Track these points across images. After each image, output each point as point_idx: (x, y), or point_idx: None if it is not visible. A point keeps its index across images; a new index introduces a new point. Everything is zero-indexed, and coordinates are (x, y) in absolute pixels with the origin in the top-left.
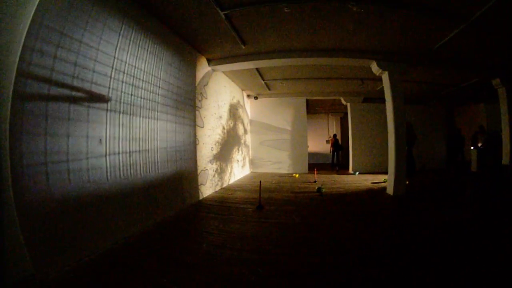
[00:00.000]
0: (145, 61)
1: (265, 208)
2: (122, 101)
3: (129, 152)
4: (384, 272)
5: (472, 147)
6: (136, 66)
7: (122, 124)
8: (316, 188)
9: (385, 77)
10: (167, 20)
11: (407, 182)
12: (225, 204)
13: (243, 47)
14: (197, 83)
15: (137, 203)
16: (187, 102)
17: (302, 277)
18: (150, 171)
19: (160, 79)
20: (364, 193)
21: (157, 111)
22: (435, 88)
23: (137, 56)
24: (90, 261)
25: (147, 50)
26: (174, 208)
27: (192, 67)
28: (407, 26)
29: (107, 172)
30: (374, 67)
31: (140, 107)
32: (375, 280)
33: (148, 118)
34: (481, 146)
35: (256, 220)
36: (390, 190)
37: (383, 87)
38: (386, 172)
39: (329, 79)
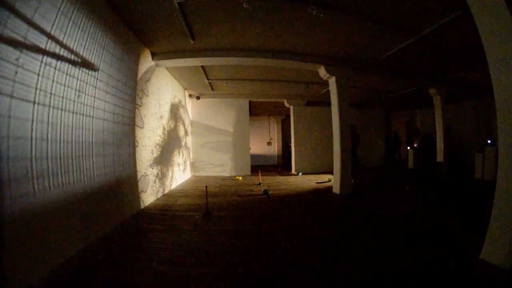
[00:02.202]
0: (85, 46)
1: (213, 214)
2: (53, 92)
3: (60, 156)
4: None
5: (408, 147)
6: (74, 50)
7: (52, 122)
8: (263, 190)
9: (332, 81)
10: (116, 3)
11: (352, 181)
12: (169, 213)
13: (192, 42)
14: (138, 78)
15: (72, 220)
16: (127, 99)
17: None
18: (85, 179)
19: (99, 69)
20: (311, 193)
21: (94, 108)
22: (377, 94)
23: (76, 39)
24: None
25: (89, 34)
26: (114, 221)
27: (135, 59)
28: (362, 35)
29: (33, 181)
30: (322, 72)
31: (75, 101)
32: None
33: (84, 115)
34: (417, 146)
35: (205, 228)
36: (336, 189)
37: (327, 91)
38: (328, 172)
39: (275, 81)
